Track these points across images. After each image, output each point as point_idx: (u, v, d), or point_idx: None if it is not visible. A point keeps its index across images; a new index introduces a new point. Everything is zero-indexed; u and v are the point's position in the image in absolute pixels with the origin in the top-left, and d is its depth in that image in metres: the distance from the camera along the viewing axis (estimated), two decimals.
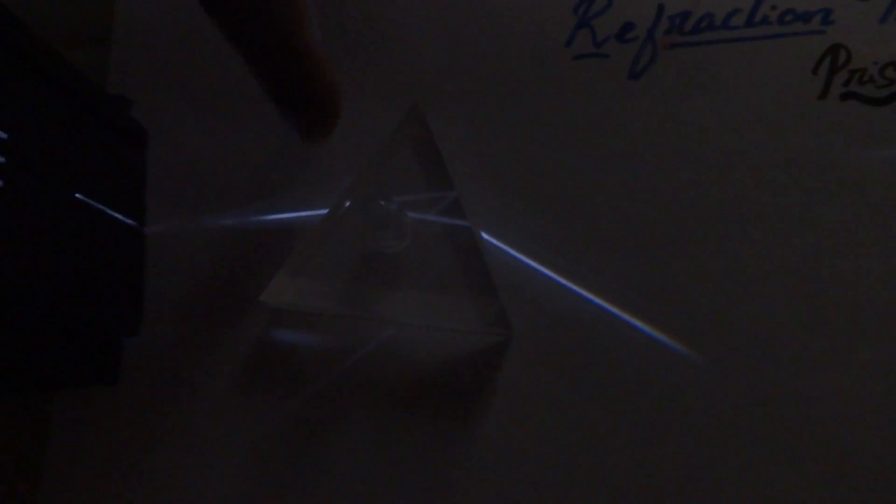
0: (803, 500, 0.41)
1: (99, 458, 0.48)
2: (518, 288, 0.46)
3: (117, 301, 0.48)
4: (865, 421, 0.41)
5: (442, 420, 0.45)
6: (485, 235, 0.46)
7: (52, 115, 0.44)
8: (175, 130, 0.53)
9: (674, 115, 0.47)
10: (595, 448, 0.43)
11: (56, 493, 0.48)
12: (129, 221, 0.50)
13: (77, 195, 0.44)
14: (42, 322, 0.42)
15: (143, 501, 0.47)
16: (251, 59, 0.34)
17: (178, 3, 0.56)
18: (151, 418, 0.48)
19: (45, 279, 0.40)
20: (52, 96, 0.44)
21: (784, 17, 0.48)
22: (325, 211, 0.48)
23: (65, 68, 0.45)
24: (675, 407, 0.43)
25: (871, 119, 0.45)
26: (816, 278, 0.43)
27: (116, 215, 0.48)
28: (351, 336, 0.47)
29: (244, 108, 0.53)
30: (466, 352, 0.46)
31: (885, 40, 0.46)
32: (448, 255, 0.47)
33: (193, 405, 0.48)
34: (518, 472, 0.43)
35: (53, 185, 0.43)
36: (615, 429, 0.43)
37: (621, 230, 0.46)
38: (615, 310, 0.45)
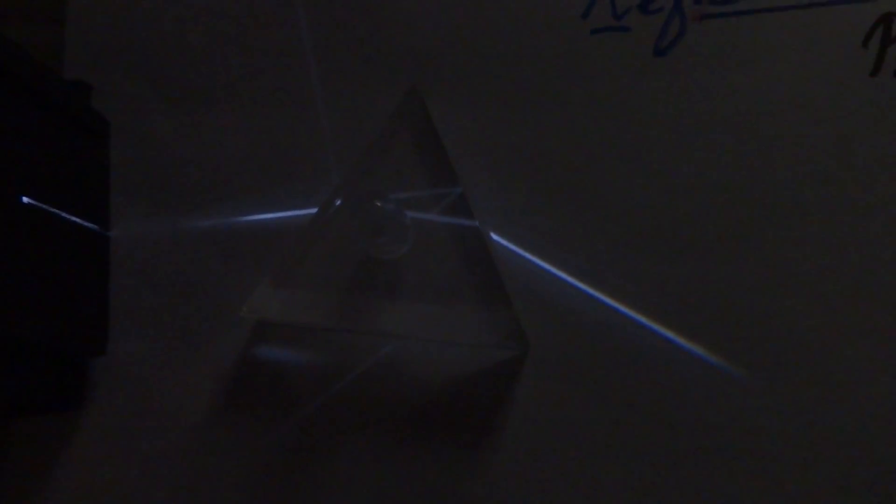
0: None
1: (61, 492, 0.44)
2: (533, 295, 0.43)
3: (79, 317, 0.44)
4: None
5: (449, 447, 0.42)
6: (495, 236, 0.43)
7: (0, 104, 0.40)
8: (141, 120, 0.49)
9: (705, 97, 0.44)
10: (624, 478, 0.40)
11: None
12: (90, 225, 0.46)
13: (30, 197, 0.41)
14: None
15: None
16: None
17: None
18: (120, 447, 0.44)
19: None
20: None
21: None
22: (313, 211, 0.44)
23: (13, 51, 0.41)
24: (715, 428, 0.40)
25: None
26: (874, 280, 0.40)
27: (76, 219, 0.45)
28: (346, 352, 0.44)
29: (219, 94, 0.49)
30: (477, 369, 0.43)
31: None
32: (454, 259, 0.44)
33: (167, 432, 0.44)
34: None
35: (2, 185, 0.39)
36: (647, 455, 0.40)
37: (649, 228, 0.43)
38: (644, 319, 0.42)
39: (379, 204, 0.39)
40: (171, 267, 0.46)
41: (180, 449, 0.44)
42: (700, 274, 0.41)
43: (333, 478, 0.42)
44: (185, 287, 0.46)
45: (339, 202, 0.44)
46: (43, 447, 0.45)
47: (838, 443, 0.39)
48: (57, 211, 0.43)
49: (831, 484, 0.38)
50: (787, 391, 0.39)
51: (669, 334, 0.41)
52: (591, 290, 0.42)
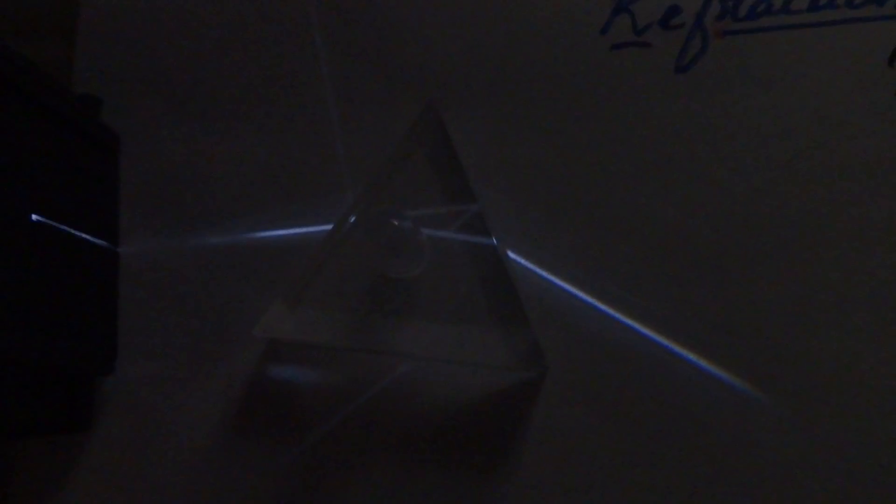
0: None
1: None
2: (552, 316, 0.42)
3: (88, 335, 0.44)
4: None
5: (465, 471, 0.41)
6: (512, 255, 0.43)
7: (9, 119, 0.40)
8: (151, 134, 0.48)
9: (727, 115, 0.43)
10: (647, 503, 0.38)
11: None
12: (99, 242, 0.45)
13: (39, 213, 0.40)
14: (1, 363, 0.38)
15: None
16: None
17: None
18: (128, 469, 0.44)
19: (3, 313, 0.36)
20: (8, 97, 0.39)
21: (854, 0, 0.43)
22: (328, 228, 0.44)
23: (22, 65, 0.40)
24: (740, 456, 0.39)
25: None
26: None
27: (85, 235, 0.44)
28: (360, 373, 0.43)
29: (231, 107, 0.48)
30: (494, 391, 0.42)
31: None
32: (471, 278, 0.43)
33: (177, 454, 0.43)
34: None
35: (11, 201, 0.39)
36: (670, 482, 0.39)
37: (671, 249, 0.42)
38: (667, 342, 0.41)
39: (395, 222, 0.38)
40: (181, 284, 0.45)
41: (190, 472, 0.43)
42: (723, 295, 0.40)
43: (347, 499, 0.41)
44: (196, 305, 0.45)
45: (353, 219, 0.43)
46: (50, 469, 0.44)
47: (859, 467, 0.38)
48: (66, 227, 0.42)
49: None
50: (810, 416, 0.38)
51: (692, 357, 0.40)
52: (611, 311, 0.41)
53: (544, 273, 0.42)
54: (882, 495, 0.37)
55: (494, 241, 0.42)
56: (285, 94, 0.47)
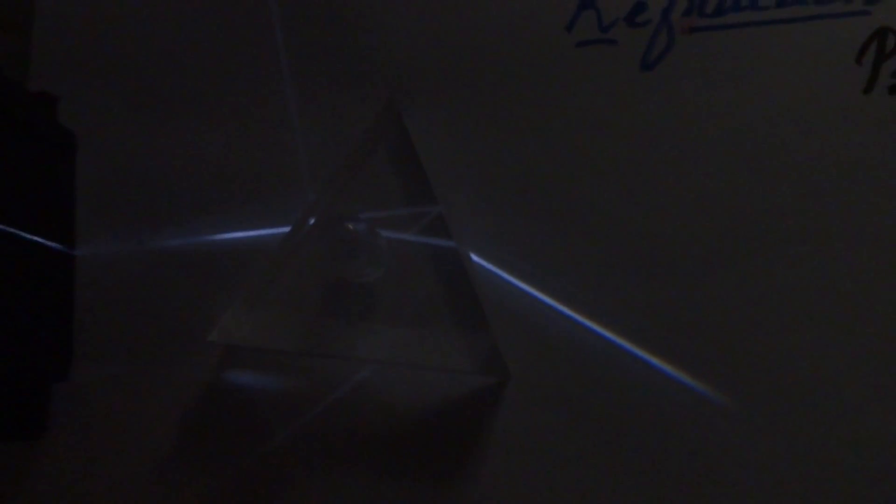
0: None
1: None
2: (514, 320, 0.41)
3: (42, 340, 0.43)
4: None
5: (426, 478, 0.40)
6: (474, 258, 0.42)
7: None
8: (109, 134, 0.47)
9: (694, 113, 0.42)
10: None
11: None
12: (54, 245, 0.44)
13: None
14: None
15: None
16: None
17: None
18: (83, 477, 0.43)
19: None
20: None
21: None
22: (285, 229, 0.43)
23: None
24: (700, 457, 0.38)
25: None
26: (867, 305, 0.39)
27: (39, 238, 0.43)
28: (319, 379, 0.42)
29: (189, 107, 0.47)
30: (455, 396, 0.41)
31: None
32: (431, 282, 0.42)
33: (132, 461, 0.43)
34: None
35: None
36: (631, 485, 0.39)
37: (634, 250, 0.41)
38: (629, 345, 0.40)
39: (351, 226, 0.38)
40: (137, 288, 0.45)
41: (146, 479, 0.42)
42: (687, 297, 0.40)
43: None
44: (153, 309, 0.44)
45: (312, 221, 0.43)
46: (2, 477, 0.43)
47: (825, 469, 0.37)
48: (18, 231, 0.42)
49: None
50: (772, 419, 0.38)
51: (655, 361, 0.40)
52: (574, 315, 0.41)
53: (507, 276, 0.42)
54: (849, 495, 0.37)
55: (455, 244, 0.41)
56: (244, 93, 0.46)
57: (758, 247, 0.40)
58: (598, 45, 0.44)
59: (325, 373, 0.42)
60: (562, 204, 0.42)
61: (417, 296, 0.42)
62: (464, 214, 0.43)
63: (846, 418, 0.38)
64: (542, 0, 0.45)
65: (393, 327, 0.42)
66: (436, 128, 0.44)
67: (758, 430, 0.38)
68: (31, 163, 0.44)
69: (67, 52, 0.49)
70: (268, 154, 0.45)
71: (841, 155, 0.40)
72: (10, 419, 0.42)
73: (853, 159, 0.40)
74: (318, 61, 0.46)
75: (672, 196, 0.41)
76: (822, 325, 0.39)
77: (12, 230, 0.41)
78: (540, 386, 0.40)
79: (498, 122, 0.44)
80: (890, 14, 0.41)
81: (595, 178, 0.42)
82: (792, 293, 0.39)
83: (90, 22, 0.49)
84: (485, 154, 0.44)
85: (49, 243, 0.44)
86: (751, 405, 0.38)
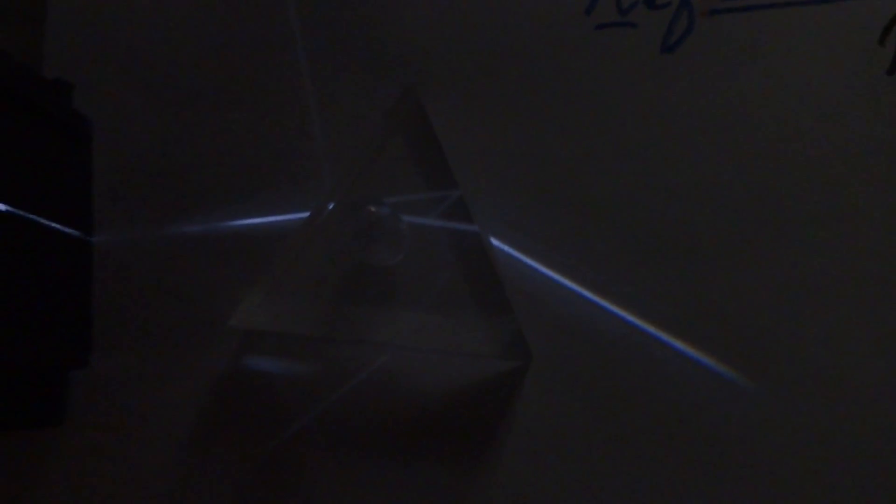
0: None
1: None
2: (536, 303, 0.41)
3: (61, 327, 0.42)
4: None
5: (448, 461, 0.40)
6: (495, 241, 0.42)
7: None
8: (125, 120, 0.47)
9: (714, 96, 0.42)
10: (630, 491, 0.38)
11: None
12: (72, 232, 0.44)
13: (8, 203, 0.39)
14: None
15: None
16: None
17: None
18: (103, 464, 0.43)
19: None
20: None
21: None
22: (305, 215, 0.43)
23: None
24: (722, 439, 0.38)
25: None
26: (886, 287, 0.39)
27: (57, 225, 0.43)
28: (339, 364, 0.42)
29: (208, 94, 0.47)
30: (476, 380, 0.41)
31: None
32: (452, 266, 0.42)
33: (152, 448, 0.42)
34: None
35: None
36: (652, 467, 0.39)
37: (656, 233, 0.41)
38: (651, 328, 0.40)
39: (372, 209, 0.37)
40: (156, 274, 0.44)
41: (166, 465, 0.42)
42: (708, 280, 0.40)
43: (327, 493, 0.41)
44: (172, 295, 0.44)
45: (331, 206, 0.42)
46: (22, 464, 0.43)
47: (846, 453, 0.37)
48: (37, 217, 0.41)
49: (837, 493, 0.37)
50: (794, 400, 0.38)
51: (676, 343, 0.40)
52: (595, 298, 0.41)
53: (528, 260, 0.42)
54: (868, 480, 0.37)
55: (477, 227, 0.41)
56: (262, 80, 0.46)
57: (776, 229, 0.40)
58: (618, 27, 0.44)
59: (346, 358, 0.42)
60: (582, 187, 0.42)
61: (438, 280, 0.42)
62: (484, 198, 0.42)
63: (868, 401, 0.37)
64: None
65: (414, 311, 0.41)
66: (456, 112, 0.44)
67: (778, 412, 0.38)
68: (47, 149, 0.44)
69: (82, 39, 0.48)
70: (287, 139, 0.45)
71: (864, 137, 0.40)
72: (30, 407, 0.42)
73: (877, 141, 0.40)
74: (337, 47, 0.46)
75: (693, 179, 0.41)
76: (845, 309, 0.38)
77: (31, 216, 0.41)
78: (562, 369, 0.40)
79: (517, 106, 0.44)
80: None
81: (614, 161, 0.42)
82: (809, 275, 0.39)
83: (105, 10, 0.49)
84: (505, 138, 0.43)
85: (67, 230, 0.44)
86: (774, 388, 0.38)
